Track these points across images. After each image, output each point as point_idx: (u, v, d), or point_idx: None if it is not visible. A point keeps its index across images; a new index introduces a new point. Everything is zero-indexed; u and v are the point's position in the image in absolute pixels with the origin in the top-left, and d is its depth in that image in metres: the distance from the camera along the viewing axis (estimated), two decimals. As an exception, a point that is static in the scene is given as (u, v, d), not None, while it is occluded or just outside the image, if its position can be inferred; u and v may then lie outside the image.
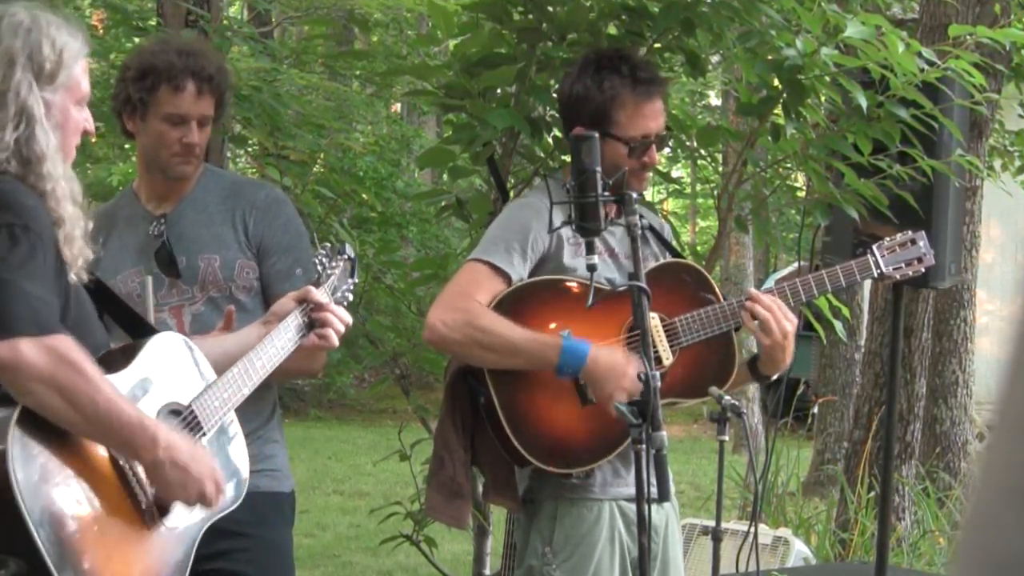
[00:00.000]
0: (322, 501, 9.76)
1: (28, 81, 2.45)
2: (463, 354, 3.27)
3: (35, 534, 2.25)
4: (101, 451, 2.44)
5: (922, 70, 3.87)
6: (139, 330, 2.68)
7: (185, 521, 2.57)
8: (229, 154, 5.05)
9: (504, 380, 3.24)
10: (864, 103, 3.83)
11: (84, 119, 2.56)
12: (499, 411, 3.23)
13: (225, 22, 5.25)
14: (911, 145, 3.97)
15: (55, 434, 2.36)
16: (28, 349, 2.28)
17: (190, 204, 3.33)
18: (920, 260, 3.54)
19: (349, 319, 2.90)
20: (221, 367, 2.69)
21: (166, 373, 2.59)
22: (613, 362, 3.14)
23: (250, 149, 5.29)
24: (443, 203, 4.53)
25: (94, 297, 2.63)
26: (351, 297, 3.02)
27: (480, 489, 3.70)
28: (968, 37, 4.19)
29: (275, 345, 2.77)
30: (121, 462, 2.46)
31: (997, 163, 9.17)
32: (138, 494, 2.47)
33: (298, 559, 7.62)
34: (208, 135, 3.33)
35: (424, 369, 5.48)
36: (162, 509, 2.52)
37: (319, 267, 2.96)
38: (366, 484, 10.48)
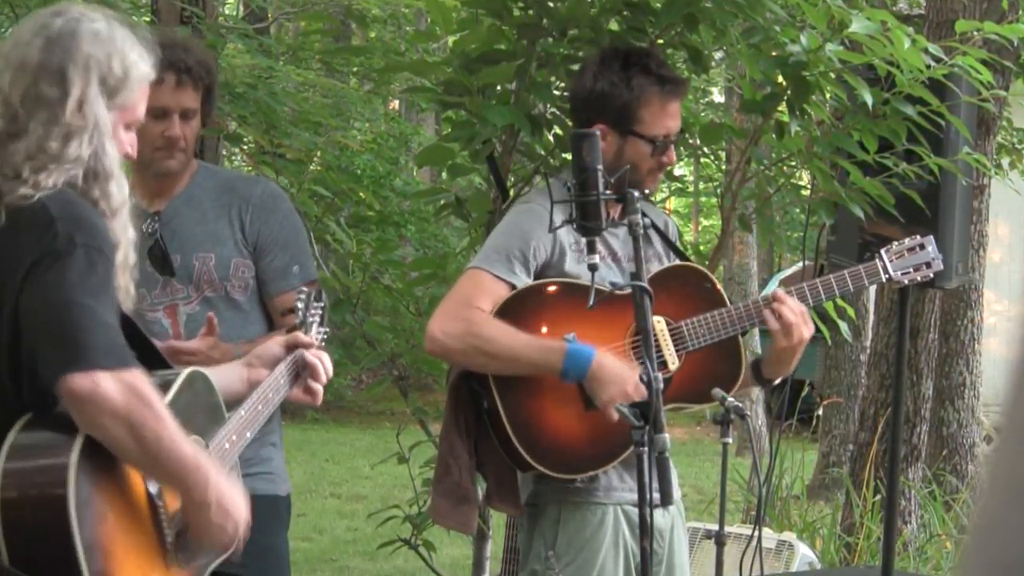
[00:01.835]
0: (319, 504, 9.74)
1: (99, 92, 2.39)
2: (466, 363, 3.25)
3: (83, 565, 2.22)
4: (140, 489, 2.40)
5: (929, 67, 3.85)
6: (148, 358, 2.60)
7: (198, 562, 2.52)
8: (224, 152, 5.02)
9: (508, 385, 3.23)
10: (870, 100, 3.81)
11: (129, 143, 2.49)
12: (503, 416, 3.21)
13: (220, 19, 5.21)
14: (917, 143, 3.95)
15: (110, 462, 2.32)
16: (107, 383, 2.22)
17: (184, 201, 3.30)
18: (929, 265, 3.54)
19: (329, 367, 2.84)
20: (227, 401, 2.65)
21: (194, 410, 2.54)
22: (618, 367, 3.13)
23: (246, 147, 5.26)
24: (442, 202, 4.52)
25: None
26: (323, 345, 2.96)
27: (481, 494, 3.67)
28: (975, 33, 4.18)
29: (271, 391, 2.72)
30: (157, 501, 2.41)
31: (1005, 161, 9.15)
32: (166, 533, 2.43)
33: (295, 563, 7.58)
34: (195, 129, 3.29)
35: (423, 371, 5.46)
36: (182, 555, 2.47)
37: (300, 311, 2.90)
38: (364, 487, 10.45)
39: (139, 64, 2.44)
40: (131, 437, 2.25)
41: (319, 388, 2.80)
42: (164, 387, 2.47)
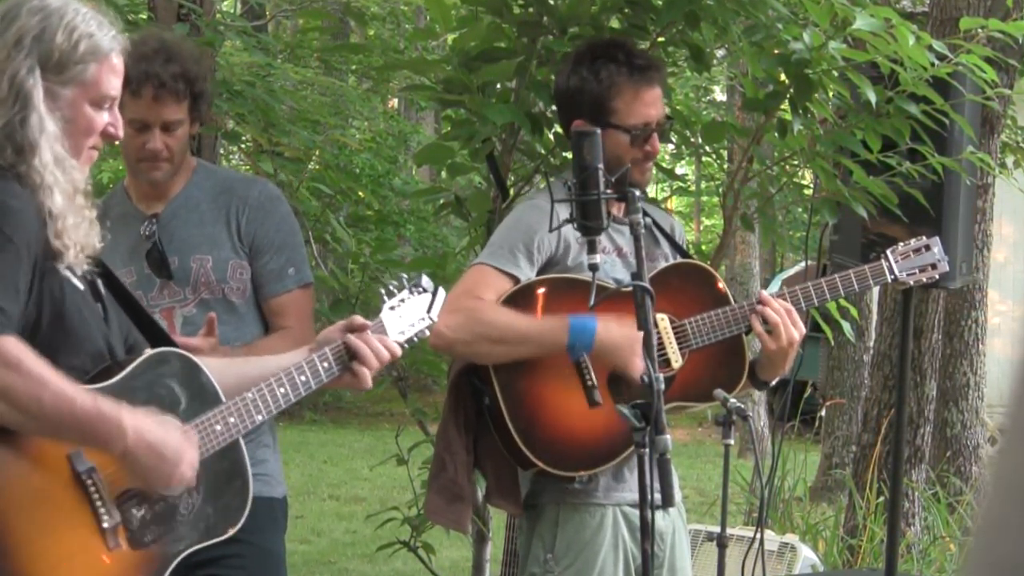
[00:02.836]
0: (317, 506, 9.73)
1: (30, 65, 2.36)
2: (473, 353, 3.23)
3: None
4: (60, 466, 2.34)
5: (933, 64, 3.84)
6: (151, 336, 2.57)
7: (162, 547, 2.45)
8: (222, 151, 5.00)
9: (509, 380, 3.21)
10: (873, 98, 3.79)
11: (103, 121, 2.45)
12: (504, 412, 3.20)
13: (218, 16, 5.19)
14: (921, 142, 3.93)
15: (4, 445, 2.27)
16: None
17: (182, 204, 3.30)
18: (934, 266, 3.54)
19: (397, 352, 2.72)
20: (243, 389, 2.56)
21: (161, 389, 2.47)
22: (624, 331, 3.10)
23: (244, 146, 5.24)
24: (441, 201, 4.50)
25: (118, 299, 2.53)
26: (425, 333, 2.83)
27: (480, 493, 3.65)
28: (980, 31, 4.17)
29: (306, 373, 2.63)
30: (84, 479, 2.35)
31: (1009, 160, 9.13)
32: (101, 513, 2.37)
33: (293, 566, 7.56)
34: (181, 138, 3.28)
35: (422, 371, 5.45)
36: (133, 536, 2.41)
37: (383, 295, 2.79)
38: (362, 489, 10.44)
39: (92, 36, 2.41)
40: (5, 404, 2.22)
41: (364, 371, 2.66)
42: (124, 365, 2.42)
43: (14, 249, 2.30)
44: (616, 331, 3.12)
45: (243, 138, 5.12)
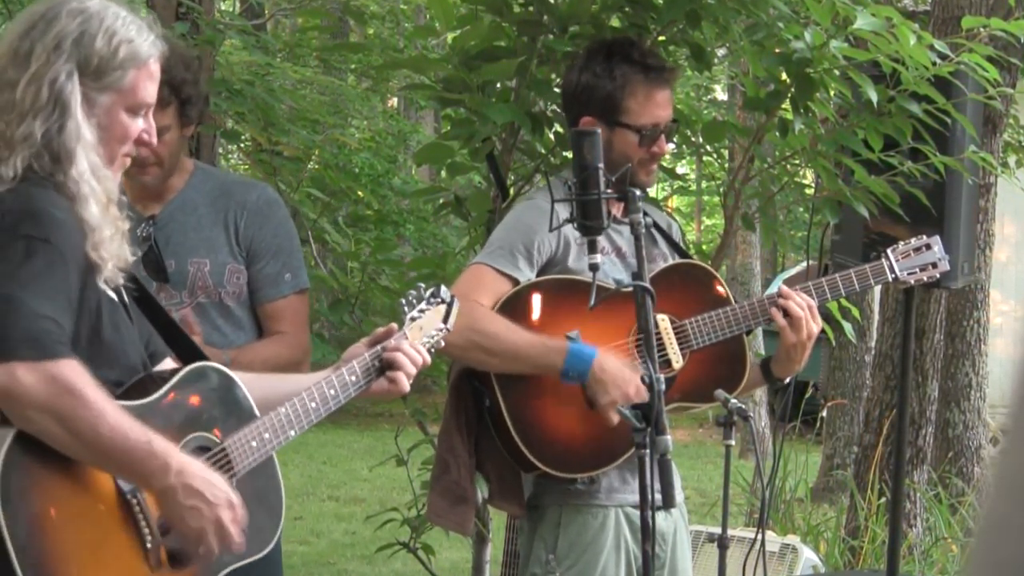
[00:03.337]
0: (316, 507, 9.71)
1: (69, 70, 2.32)
2: (465, 358, 3.23)
3: (17, 569, 2.15)
4: (107, 486, 2.32)
5: (934, 63, 3.84)
6: (182, 351, 2.54)
7: (202, 567, 2.41)
8: (221, 150, 4.99)
9: (510, 382, 3.20)
10: (875, 97, 3.79)
11: (138, 128, 2.41)
12: (505, 414, 3.19)
13: (217, 15, 5.18)
14: (923, 141, 3.93)
15: (55, 462, 2.24)
16: (25, 375, 2.17)
17: (179, 206, 3.28)
18: (935, 265, 3.54)
19: (427, 359, 2.75)
20: (273, 404, 2.54)
21: (199, 405, 2.45)
22: (619, 369, 3.11)
23: (243, 145, 5.23)
24: (441, 200, 4.49)
25: (144, 311, 2.51)
26: (441, 343, 2.86)
27: (482, 495, 3.64)
28: (982, 30, 4.16)
29: (335, 387, 2.62)
30: (130, 498, 2.33)
31: (1012, 159, 9.11)
32: (144, 534, 2.34)
33: (292, 567, 7.53)
34: (171, 143, 3.27)
35: (421, 372, 5.42)
36: (173, 557, 2.38)
37: (404, 307, 2.80)
38: (362, 490, 10.41)
39: (132, 42, 2.36)
40: (63, 430, 2.19)
41: (399, 376, 2.66)
42: (164, 380, 2.40)
43: (64, 261, 2.26)
44: (612, 368, 3.11)
45: (242, 137, 5.12)
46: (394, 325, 2.73)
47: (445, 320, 2.83)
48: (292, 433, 2.55)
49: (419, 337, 2.76)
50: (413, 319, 2.76)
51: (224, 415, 2.49)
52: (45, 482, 2.23)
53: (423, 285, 2.88)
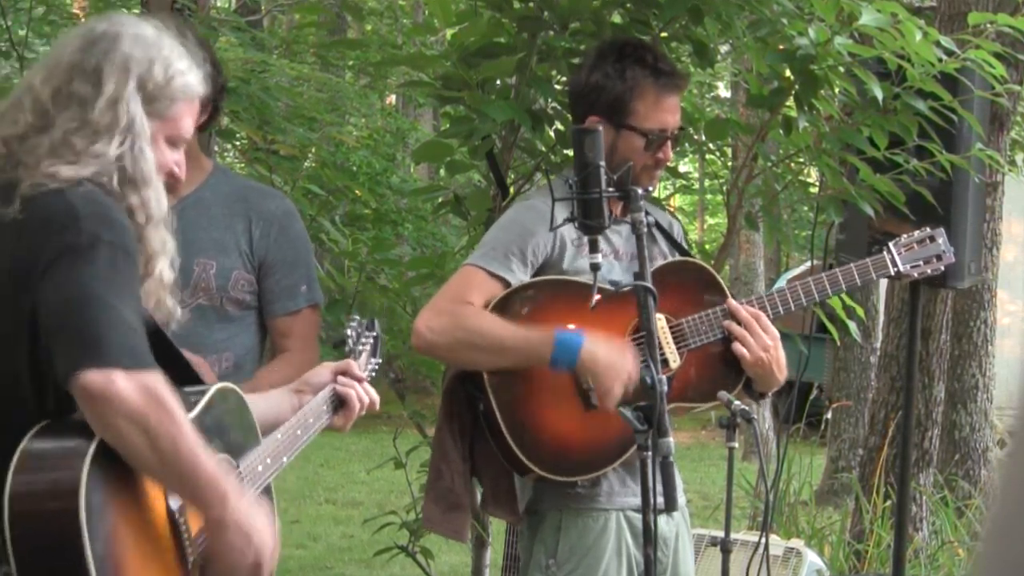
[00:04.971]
0: (313, 511, 9.71)
1: (136, 94, 2.35)
2: (452, 358, 3.23)
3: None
4: (159, 503, 2.33)
5: (940, 60, 3.83)
6: (179, 372, 2.53)
7: None
8: (217, 148, 4.97)
9: (504, 386, 3.18)
10: (880, 95, 3.77)
11: (173, 159, 2.43)
12: (499, 418, 3.17)
13: (212, 11, 5.17)
14: (929, 139, 3.92)
15: (126, 473, 2.24)
16: (123, 383, 2.15)
17: (192, 204, 3.25)
18: (939, 258, 3.51)
19: (376, 399, 2.84)
20: (266, 428, 2.61)
21: (224, 427, 2.48)
22: (610, 355, 3.07)
23: (238, 143, 5.21)
24: (440, 199, 4.48)
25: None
26: (373, 375, 2.97)
27: (479, 499, 3.61)
28: (988, 26, 4.19)
29: (314, 415, 2.70)
30: (176, 514, 2.34)
31: (1019, 157, 9.11)
32: (187, 549, 2.35)
33: (289, 571, 7.50)
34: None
35: (420, 373, 5.42)
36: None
37: (350, 340, 2.90)
38: (359, 493, 10.42)
39: (185, 75, 2.41)
40: (146, 442, 2.18)
41: (351, 416, 2.80)
42: (193, 403, 2.41)
43: (137, 276, 2.29)
44: (602, 354, 3.08)
45: (238, 135, 5.10)
46: (351, 361, 2.84)
47: (374, 354, 2.97)
48: (285, 460, 2.61)
49: (364, 368, 2.90)
50: (360, 352, 2.90)
51: (240, 437, 2.53)
52: (117, 497, 2.24)
53: (357, 317, 2.99)
